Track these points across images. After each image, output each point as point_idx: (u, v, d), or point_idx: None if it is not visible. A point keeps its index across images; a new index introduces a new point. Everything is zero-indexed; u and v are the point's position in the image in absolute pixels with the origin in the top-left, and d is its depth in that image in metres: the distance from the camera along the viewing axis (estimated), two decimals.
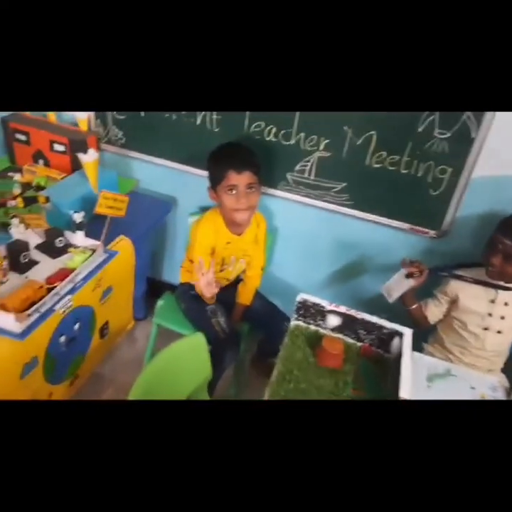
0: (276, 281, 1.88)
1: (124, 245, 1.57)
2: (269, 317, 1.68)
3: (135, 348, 1.95)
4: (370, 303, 1.70)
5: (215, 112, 1.63)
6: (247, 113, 1.58)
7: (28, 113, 1.86)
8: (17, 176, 1.78)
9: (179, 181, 1.86)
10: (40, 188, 1.72)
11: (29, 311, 1.17)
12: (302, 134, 1.55)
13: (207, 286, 1.44)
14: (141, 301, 2.02)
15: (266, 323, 1.69)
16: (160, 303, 1.74)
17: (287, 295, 1.86)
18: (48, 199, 1.43)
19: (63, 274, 1.34)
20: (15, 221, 1.42)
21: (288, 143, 1.59)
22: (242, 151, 1.51)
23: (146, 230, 1.75)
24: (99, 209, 1.42)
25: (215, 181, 1.50)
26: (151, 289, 2.03)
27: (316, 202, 1.66)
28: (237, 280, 1.74)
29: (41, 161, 1.83)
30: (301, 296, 1.23)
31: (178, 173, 1.83)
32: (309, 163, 1.59)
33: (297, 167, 1.62)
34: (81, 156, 1.57)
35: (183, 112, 1.66)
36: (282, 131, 1.57)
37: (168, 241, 2.06)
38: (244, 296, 1.69)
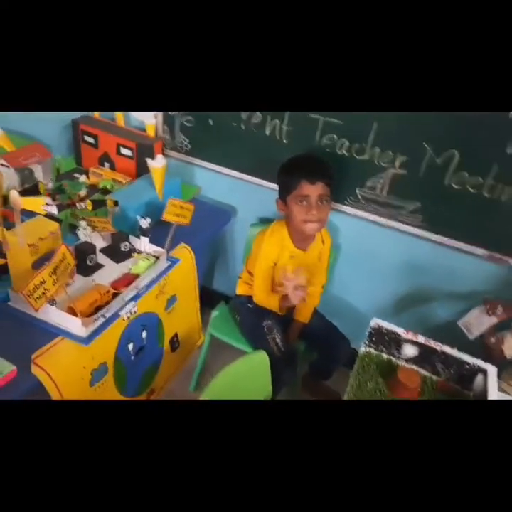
0: (335, 300, 1.81)
1: (185, 253, 1.55)
2: (327, 337, 1.62)
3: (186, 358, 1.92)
4: (436, 331, 1.60)
5: (285, 123, 1.59)
6: (320, 125, 1.53)
7: (97, 115, 1.88)
8: (82, 178, 1.80)
9: (240, 191, 1.83)
10: (106, 191, 1.73)
11: (95, 316, 1.16)
12: (377, 149, 1.48)
13: (295, 292, 1.38)
14: None
15: (323, 343, 1.62)
16: (215, 314, 1.70)
17: (346, 316, 1.79)
18: (116, 203, 1.42)
19: (127, 279, 1.32)
20: (82, 223, 1.42)
21: (361, 157, 1.52)
22: (316, 162, 1.47)
23: (206, 239, 1.72)
24: (167, 216, 1.40)
25: (286, 191, 1.46)
26: (202, 298, 2.00)
27: (385, 220, 1.58)
28: None
29: (107, 165, 1.84)
30: (375, 322, 1.16)
31: (240, 182, 1.80)
32: (382, 180, 1.52)
33: (368, 183, 1.55)
34: (149, 161, 1.56)
35: (254, 121, 1.63)
36: (355, 145, 1.51)
37: (223, 250, 2.03)
38: (303, 313, 1.63)
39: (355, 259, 1.73)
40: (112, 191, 1.72)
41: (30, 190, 1.24)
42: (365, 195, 1.58)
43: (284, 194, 1.48)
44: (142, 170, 1.77)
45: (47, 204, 1.10)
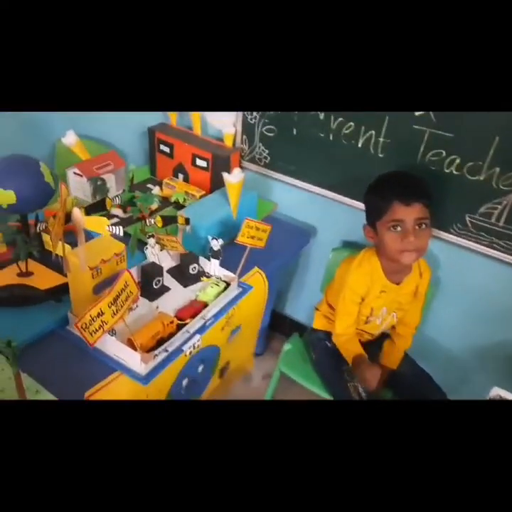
0: (429, 343, 1.55)
1: (258, 279, 1.38)
2: (419, 387, 1.36)
3: (250, 388, 1.75)
4: None
5: (383, 135, 1.37)
6: (425, 138, 1.30)
7: (174, 123, 1.78)
8: (156, 189, 1.71)
9: (323, 209, 1.63)
10: (178, 205, 1.61)
11: (157, 351, 1.02)
12: (497, 169, 1.22)
13: (372, 378, 1.23)
14: (262, 336, 1.83)
15: (414, 394, 1.37)
16: (287, 347, 1.52)
17: (443, 363, 1.54)
18: (187, 221, 1.29)
19: (194, 308, 1.18)
20: (151, 241, 1.31)
21: (474, 178, 1.26)
22: (411, 180, 1.23)
23: (282, 262, 1.54)
24: (241, 239, 1.24)
25: (376, 215, 1.24)
26: (271, 322, 1.83)
27: (500, 254, 1.31)
28: (383, 336, 1.45)
29: (181, 176, 1.73)
30: (496, 392, 0.90)
31: (323, 200, 1.60)
32: (500, 206, 1.26)
33: (482, 209, 1.29)
34: (225, 176, 1.42)
35: (345, 132, 1.43)
36: (469, 164, 1.26)
37: (299, 273, 1.84)
38: (391, 358, 1.39)
39: (457, 297, 1.46)
40: (184, 205, 1.61)
41: (97, 205, 1.15)
42: (476, 222, 1.32)
43: (373, 219, 1.26)
44: (217, 182, 1.64)
45: (112, 225, 0.98)
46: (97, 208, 1.15)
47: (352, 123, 1.42)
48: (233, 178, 1.41)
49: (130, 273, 0.95)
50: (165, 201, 1.65)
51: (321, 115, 1.46)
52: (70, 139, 1.58)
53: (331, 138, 1.47)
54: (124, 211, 1.58)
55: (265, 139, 1.62)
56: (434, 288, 1.45)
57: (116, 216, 1.56)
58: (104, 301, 0.89)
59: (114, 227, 0.97)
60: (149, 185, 1.76)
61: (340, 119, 1.43)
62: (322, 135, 1.48)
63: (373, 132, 1.39)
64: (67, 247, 1.05)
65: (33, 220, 1.25)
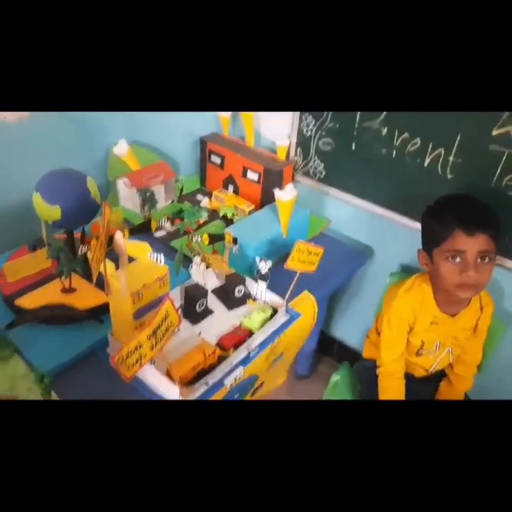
0: (493, 385, 1.40)
1: (307, 304, 1.29)
2: None
3: None
4: None
5: (453, 154, 1.24)
6: (503, 159, 1.16)
7: (226, 133, 1.72)
8: (205, 201, 1.66)
9: (380, 229, 1.52)
10: (226, 219, 1.55)
11: (196, 385, 0.96)
12: None
13: None
14: (309, 358, 1.74)
15: None
16: (334, 379, 1.42)
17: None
18: (235, 241, 1.23)
19: (238, 336, 1.11)
20: (196, 259, 1.25)
21: None
22: (477, 206, 1.10)
23: (335, 286, 1.44)
24: (291, 263, 1.15)
25: (433, 241, 1.12)
26: (319, 343, 1.73)
27: None
28: (439, 374, 1.32)
29: (231, 187, 1.67)
30: None
31: (380, 219, 1.48)
32: None
33: None
34: (277, 192, 1.34)
35: (410, 149, 1.31)
36: None
37: (351, 294, 1.73)
38: (449, 399, 1.26)
39: None
40: (232, 220, 1.54)
41: (143, 227, 1.10)
42: None
43: (429, 245, 1.14)
44: (268, 196, 1.56)
45: (155, 254, 0.93)
46: (142, 229, 1.11)
47: (418, 139, 1.29)
48: (285, 195, 1.33)
49: (172, 302, 0.89)
50: (213, 213, 1.60)
51: (384, 130, 1.34)
52: (121, 148, 1.56)
53: (393, 155, 1.36)
54: (172, 223, 1.54)
55: (321, 152, 1.52)
56: (499, 322, 1.30)
57: (163, 229, 1.52)
58: (142, 334, 0.83)
59: (156, 254, 0.91)
60: (198, 197, 1.71)
61: (405, 135, 1.31)
62: (384, 151, 1.37)
63: (442, 150, 1.26)
64: (110, 266, 1.01)
65: (79, 233, 1.23)
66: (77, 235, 1.21)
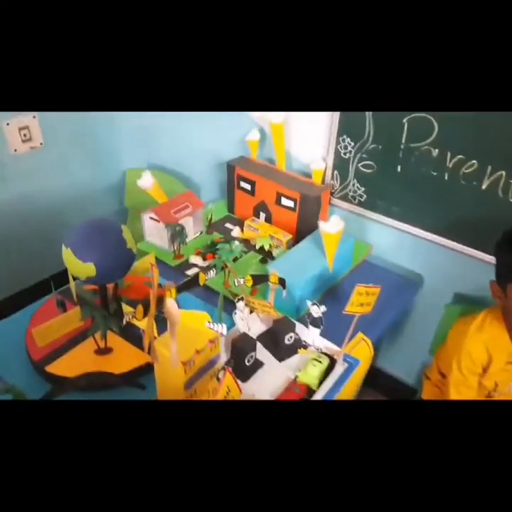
0: None
1: (363, 348, 1.18)
2: None
3: None
4: None
5: None
6: None
7: (255, 157, 1.61)
8: (236, 231, 1.55)
9: (429, 256, 1.40)
10: (263, 252, 1.44)
11: None
12: None
13: None
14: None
15: None
16: None
17: None
18: (283, 283, 1.12)
19: (295, 394, 1.00)
20: (240, 305, 1.14)
21: None
22: None
23: (389, 322, 1.32)
24: (351, 308, 1.04)
25: (508, 275, 1.01)
26: (367, 378, 1.61)
27: None
28: None
29: (263, 215, 1.56)
30: None
31: (429, 245, 1.37)
32: None
33: None
34: (322, 225, 1.22)
35: (465, 171, 1.20)
36: None
37: (401, 325, 1.60)
38: None
39: None
40: (271, 251, 1.43)
41: (191, 283, 1.00)
42: None
43: (504, 278, 1.03)
44: (305, 224, 1.46)
45: (214, 324, 0.82)
46: (190, 284, 1.00)
47: (475, 161, 1.18)
48: (331, 227, 1.22)
49: (232, 375, 0.78)
50: (246, 243, 1.49)
51: (435, 152, 1.23)
52: (146, 181, 1.45)
53: (446, 177, 1.24)
54: (204, 259, 1.43)
55: (361, 175, 1.41)
56: None
57: (196, 265, 1.42)
58: None
59: (216, 325, 0.81)
60: (228, 225, 1.61)
61: (460, 156, 1.19)
62: (435, 174, 1.25)
63: (503, 173, 1.15)
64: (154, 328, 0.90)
65: (112, 285, 1.12)
66: (109, 286, 1.10)
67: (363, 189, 1.43)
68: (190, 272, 1.38)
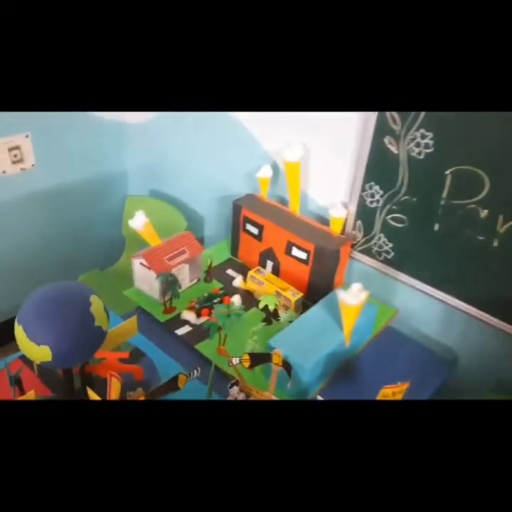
0: None
1: None
2: None
3: None
4: None
5: None
6: None
7: (264, 195, 1.41)
8: (238, 280, 1.35)
9: (465, 329, 1.18)
10: (267, 312, 1.23)
11: None
12: None
13: None
14: None
15: None
16: None
17: None
18: (288, 367, 0.91)
19: None
20: (234, 390, 0.93)
21: None
22: None
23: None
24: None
25: None
26: None
27: None
28: None
29: (270, 264, 1.36)
30: None
31: (465, 317, 1.15)
32: None
33: None
34: (342, 294, 1.01)
35: None
36: None
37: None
38: None
39: None
40: (276, 310, 1.22)
41: (166, 388, 0.77)
42: None
43: None
44: (319, 281, 1.25)
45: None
46: (166, 389, 0.78)
47: None
48: (352, 298, 1.00)
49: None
50: (249, 296, 1.28)
51: (483, 213, 1.01)
52: (137, 221, 1.25)
53: (495, 244, 1.02)
54: (198, 315, 1.23)
55: (390, 229, 1.20)
56: None
57: (188, 323, 1.21)
58: None
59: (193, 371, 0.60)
60: (230, 272, 1.40)
61: None
62: (482, 238, 1.04)
63: None
64: None
65: (78, 367, 0.91)
66: (76, 370, 0.90)
67: (391, 245, 1.21)
68: (180, 332, 1.18)
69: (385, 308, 1.28)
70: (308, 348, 1.01)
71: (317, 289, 1.24)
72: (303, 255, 1.26)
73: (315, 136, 1.27)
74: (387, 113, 1.08)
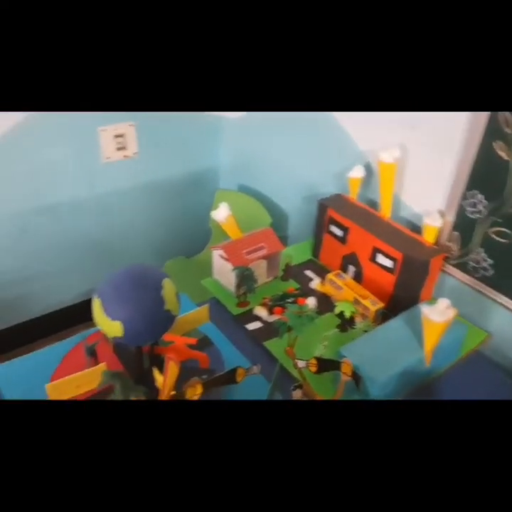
0: None
1: None
2: None
3: None
4: None
5: None
6: None
7: (354, 197, 1.35)
8: (315, 282, 1.30)
9: None
10: (343, 318, 1.17)
11: None
12: None
13: None
14: None
15: None
16: None
17: None
18: (356, 377, 0.85)
19: None
20: (297, 394, 0.90)
21: None
22: None
23: None
24: None
25: None
26: None
27: None
28: None
29: (352, 269, 1.29)
30: None
31: None
32: None
33: None
34: (426, 309, 0.92)
35: None
36: None
37: None
38: None
39: None
40: (353, 318, 1.16)
41: (223, 379, 0.75)
42: None
43: None
44: (403, 293, 1.16)
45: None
46: (222, 381, 0.76)
47: None
48: (437, 315, 0.91)
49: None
50: (325, 300, 1.23)
51: None
52: (221, 213, 1.26)
53: None
54: (270, 312, 1.20)
55: (492, 244, 1.07)
56: None
57: (259, 319, 1.20)
58: None
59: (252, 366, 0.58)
60: (308, 273, 1.36)
61: None
62: None
63: None
64: None
65: (148, 346, 0.94)
66: (145, 349, 0.93)
67: (491, 262, 1.08)
68: (251, 327, 1.17)
69: (476, 330, 1.15)
70: (382, 361, 0.94)
71: (400, 301, 1.15)
72: (389, 263, 1.17)
73: (414, 136, 1.18)
74: (500, 114, 0.96)
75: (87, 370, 0.84)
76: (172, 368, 0.63)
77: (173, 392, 0.68)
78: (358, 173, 1.31)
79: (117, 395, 0.82)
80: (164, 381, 0.64)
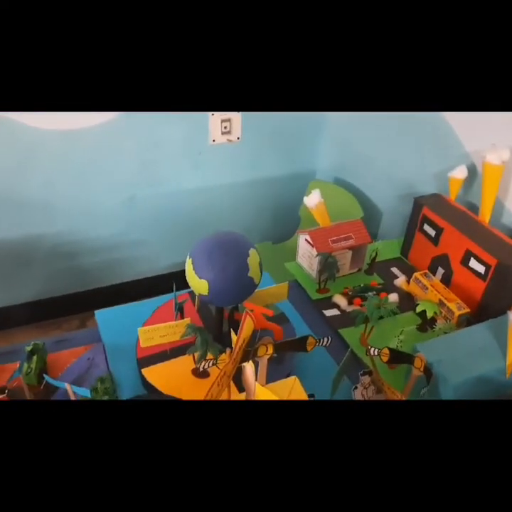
0: None
1: None
2: None
3: None
4: None
5: None
6: None
7: (453, 198, 1.30)
8: (400, 280, 1.28)
9: None
10: (424, 318, 1.14)
11: None
12: None
13: None
14: None
15: None
16: None
17: None
18: (428, 372, 0.84)
19: None
20: (365, 380, 0.90)
21: None
22: None
23: None
24: None
25: None
26: None
27: None
28: None
29: (441, 271, 1.25)
30: None
31: None
32: None
33: None
34: None
35: None
36: None
37: None
38: None
39: None
40: (434, 319, 1.13)
41: (293, 345, 0.78)
42: None
43: None
44: (494, 302, 1.10)
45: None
46: (293, 346, 0.79)
47: None
48: None
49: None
50: (407, 299, 1.21)
51: None
52: (312, 199, 1.30)
53: None
54: (349, 302, 1.21)
55: None
56: None
57: (338, 306, 1.21)
58: None
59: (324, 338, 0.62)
60: (394, 270, 1.34)
61: None
62: None
63: None
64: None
65: (228, 311, 1.01)
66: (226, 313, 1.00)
67: None
68: (328, 314, 1.19)
69: None
70: (458, 363, 0.91)
71: (489, 310, 1.09)
72: (481, 269, 1.12)
73: None
74: None
75: (173, 322, 0.93)
76: (248, 322, 0.68)
77: (245, 348, 0.73)
78: (460, 173, 1.26)
79: (197, 348, 0.90)
80: (239, 333, 0.69)
